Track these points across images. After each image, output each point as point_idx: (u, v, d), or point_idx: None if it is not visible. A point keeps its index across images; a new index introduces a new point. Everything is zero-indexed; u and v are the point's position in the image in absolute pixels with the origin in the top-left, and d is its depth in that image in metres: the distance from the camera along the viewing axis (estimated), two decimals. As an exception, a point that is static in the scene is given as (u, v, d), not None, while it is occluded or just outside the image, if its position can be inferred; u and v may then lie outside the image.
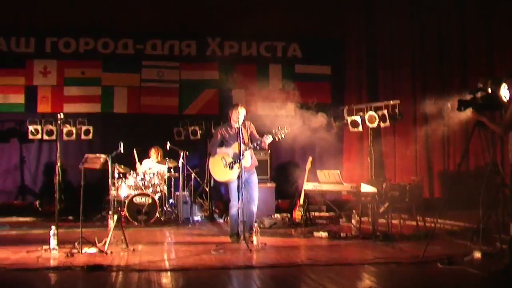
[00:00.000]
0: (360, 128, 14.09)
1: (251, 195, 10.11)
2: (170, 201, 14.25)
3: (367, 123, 13.78)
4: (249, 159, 10.06)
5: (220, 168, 10.15)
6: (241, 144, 9.75)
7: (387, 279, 7.27)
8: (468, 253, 8.28)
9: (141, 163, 14.02)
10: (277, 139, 10.07)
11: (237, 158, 9.86)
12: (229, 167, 10.02)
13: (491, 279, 6.96)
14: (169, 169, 14.13)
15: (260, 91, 15.11)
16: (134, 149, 13.63)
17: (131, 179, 13.33)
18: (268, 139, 9.96)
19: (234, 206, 9.98)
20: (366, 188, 11.00)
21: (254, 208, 10.16)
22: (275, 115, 13.63)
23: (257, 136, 10.23)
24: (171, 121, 15.80)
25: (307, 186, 12.37)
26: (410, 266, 7.87)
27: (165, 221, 13.38)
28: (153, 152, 14.23)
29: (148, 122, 15.72)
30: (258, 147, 10.18)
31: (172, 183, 14.36)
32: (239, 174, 9.78)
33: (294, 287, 7.01)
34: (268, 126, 11.43)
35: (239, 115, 9.98)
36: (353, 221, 11.46)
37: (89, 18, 16.04)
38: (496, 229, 8.66)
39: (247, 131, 10.25)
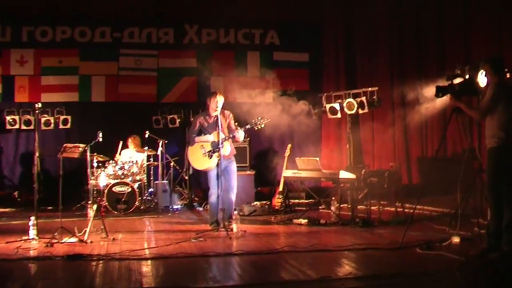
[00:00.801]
0: (339, 115, 14.12)
1: (230, 183, 10.12)
2: (150, 189, 14.19)
3: (346, 110, 13.80)
4: (228, 148, 10.06)
5: (199, 156, 10.14)
6: (220, 133, 9.77)
7: (366, 264, 7.32)
8: (446, 238, 8.38)
9: (120, 154, 13.96)
10: (256, 129, 10.10)
11: (216, 147, 9.88)
12: (208, 156, 10.01)
13: (469, 263, 7.02)
14: (148, 158, 14.11)
15: (238, 79, 15.12)
16: (120, 142, 13.57)
17: (110, 168, 13.29)
18: (239, 135, 10.00)
19: (214, 194, 10.01)
20: (345, 174, 11.05)
21: (233, 197, 10.17)
22: (253, 102, 13.59)
23: (233, 128, 10.23)
24: (149, 109, 15.74)
25: (286, 173, 12.41)
26: (389, 251, 7.92)
27: (144, 209, 13.38)
28: (130, 142, 14.15)
29: (126, 110, 15.61)
30: (233, 138, 10.16)
31: (151, 172, 14.35)
32: (218, 162, 9.81)
33: (274, 273, 7.03)
34: (247, 113, 11.49)
35: (217, 103, 9.96)
36: (332, 207, 11.52)
37: (66, 6, 15.85)
38: (474, 214, 8.75)
39: (225, 120, 10.23)
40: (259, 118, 10.07)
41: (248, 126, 10.07)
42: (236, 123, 10.45)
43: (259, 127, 10.12)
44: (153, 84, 16.19)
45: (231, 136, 10.02)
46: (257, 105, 12.76)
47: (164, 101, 16.14)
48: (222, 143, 9.77)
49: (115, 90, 15.97)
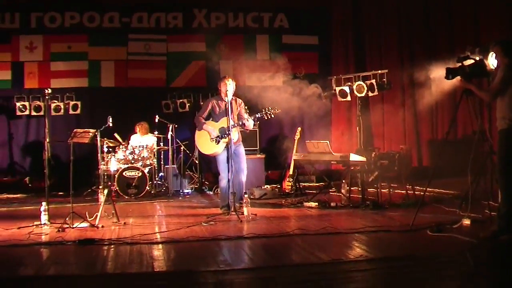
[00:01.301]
0: (349, 98, 14.11)
1: (240, 166, 10.14)
2: (160, 174, 14.25)
3: (356, 92, 13.78)
4: (236, 135, 10.07)
5: (206, 140, 10.17)
6: (230, 120, 9.79)
7: (377, 247, 7.31)
8: (457, 220, 8.35)
9: (129, 139, 13.98)
10: (265, 118, 10.12)
11: (224, 133, 9.91)
12: (215, 141, 10.04)
13: (480, 245, 7.01)
14: (158, 142, 14.13)
15: (247, 62, 15.11)
16: (115, 134, 13.53)
17: (120, 153, 13.31)
18: (249, 123, 10.02)
19: (224, 179, 10.04)
20: (355, 157, 11.03)
21: (243, 178, 10.21)
22: (263, 86, 13.61)
23: (245, 116, 10.25)
24: (159, 94, 15.76)
25: (297, 156, 12.42)
26: (400, 234, 7.92)
27: (155, 194, 13.41)
28: (138, 129, 14.19)
29: (136, 95, 15.65)
30: (243, 126, 10.17)
31: (162, 156, 14.37)
32: (227, 146, 9.85)
33: (284, 256, 7.04)
34: (256, 97, 11.51)
35: (227, 86, 9.97)
36: (342, 190, 11.50)
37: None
38: (485, 196, 8.73)
39: (236, 108, 10.26)
40: (269, 108, 10.07)
41: (258, 115, 10.09)
42: (247, 111, 10.48)
43: (269, 117, 10.14)
44: (162, 69, 16.22)
45: (240, 123, 10.03)
46: (267, 88, 12.81)
47: (173, 86, 16.18)
48: (230, 130, 9.79)
49: (124, 75, 16.00)
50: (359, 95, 13.74)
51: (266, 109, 10.10)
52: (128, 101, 15.51)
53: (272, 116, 10.15)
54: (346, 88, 13.93)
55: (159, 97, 15.65)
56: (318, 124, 15.61)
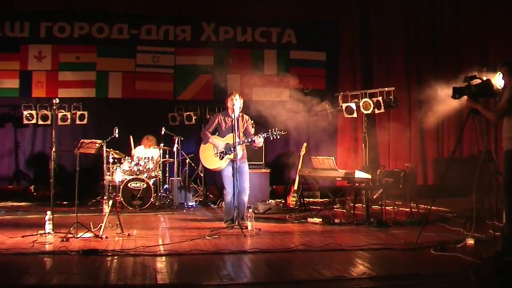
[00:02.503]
0: (355, 115, 14.09)
1: (242, 185, 10.04)
2: (165, 186, 14.27)
3: (362, 109, 13.77)
4: (241, 152, 10.05)
5: (210, 155, 10.16)
6: (236, 137, 9.78)
7: (380, 265, 7.29)
8: (461, 239, 8.33)
9: (134, 148, 13.99)
10: (271, 138, 10.07)
11: (229, 149, 9.92)
12: (219, 157, 10.05)
13: (483, 266, 7.00)
14: (163, 155, 14.15)
15: (255, 77, 15.09)
16: (130, 136, 13.58)
17: (125, 164, 13.33)
18: (260, 140, 9.98)
19: (229, 194, 10.00)
20: (360, 174, 11.03)
21: (245, 198, 10.14)
22: (269, 101, 13.67)
23: (252, 132, 10.28)
24: (165, 106, 15.76)
25: (302, 172, 12.44)
26: (403, 252, 7.90)
27: (159, 206, 13.41)
28: (144, 142, 14.21)
29: (142, 107, 15.67)
30: (250, 143, 10.13)
31: (167, 168, 14.38)
32: (232, 162, 9.86)
33: (288, 272, 7.03)
34: (263, 112, 11.54)
35: (234, 102, 9.96)
36: (347, 207, 11.51)
37: (84, 3, 15.94)
38: (489, 216, 8.71)
39: (243, 124, 10.26)
40: (276, 129, 10.02)
41: (264, 135, 10.00)
42: (254, 125, 10.48)
43: (275, 138, 10.08)
44: (170, 81, 16.25)
45: (248, 140, 10.01)
46: (274, 104, 12.87)
47: (180, 98, 16.19)
48: (235, 147, 9.77)
49: (132, 86, 16.03)
50: (365, 112, 13.72)
51: (273, 129, 10.02)
52: (135, 113, 15.51)
53: (278, 137, 10.08)
54: (353, 105, 13.92)
55: (166, 109, 15.65)
56: (324, 140, 15.63)
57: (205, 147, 10.28)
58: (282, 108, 12.45)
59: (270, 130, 10.00)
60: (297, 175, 12.94)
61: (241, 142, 9.97)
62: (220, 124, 10.22)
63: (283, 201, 13.37)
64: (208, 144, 10.21)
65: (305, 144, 13.39)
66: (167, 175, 14.35)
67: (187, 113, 15.36)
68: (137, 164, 13.38)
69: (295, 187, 13.03)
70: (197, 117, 15.36)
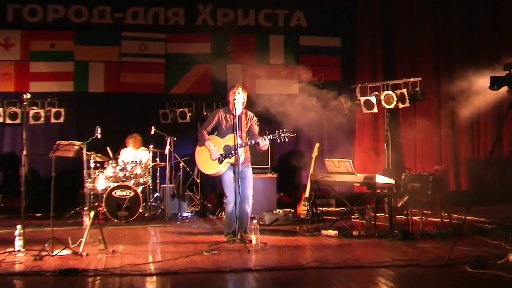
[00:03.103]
0: (375, 110, 14.07)
1: (245, 192, 9.97)
2: (155, 194, 14.26)
3: (384, 103, 13.75)
4: (242, 155, 9.95)
5: (207, 159, 10.04)
6: (238, 137, 9.70)
7: (407, 284, 7.27)
8: (502, 255, 8.27)
9: (119, 153, 13.99)
10: (278, 141, 9.97)
11: (230, 152, 9.85)
12: (218, 161, 9.97)
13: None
14: (154, 158, 14.14)
15: (259, 67, 15.08)
16: (108, 148, 13.52)
17: (109, 170, 13.32)
18: (265, 143, 9.87)
19: (230, 202, 9.92)
20: (382, 179, 10.97)
21: (248, 209, 10.05)
22: (276, 95, 13.61)
23: (256, 133, 10.17)
24: (156, 102, 15.80)
25: (314, 177, 12.37)
26: (434, 269, 7.86)
27: (149, 217, 13.41)
28: (130, 142, 14.21)
29: (129, 103, 15.67)
30: (254, 145, 10.05)
31: (158, 174, 14.40)
32: (233, 167, 9.82)
33: (299, 293, 7.02)
34: (268, 108, 11.50)
35: (235, 96, 9.89)
36: (367, 217, 11.47)
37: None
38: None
39: (246, 123, 10.19)
40: (284, 130, 9.92)
41: (270, 137, 9.90)
42: (258, 123, 10.42)
43: (283, 140, 9.98)
44: (160, 73, 16.25)
45: (252, 142, 9.93)
46: (281, 98, 12.79)
47: (172, 93, 16.21)
48: (237, 150, 9.71)
49: (116, 79, 16.03)
50: (387, 106, 13.71)
51: (281, 131, 9.93)
52: (120, 110, 15.54)
53: (286, 139, 9.99)
54: (373, 99, 13.90)
55: (156, 105, 15.71)
56: (340, 140, 15.63)
57: (201, 149, 10.18)
58: (291, 103, 12.44)
59: (277, 132, 9.90)
60: (309, 181, 12.91)
61: (243, 144, 9.91)
62: (220, 121, 10.12)
63: (293, 211, 13.35)
64: (204, 146, 10.15)
65: (317, 144, 13.37)
66: (158, 181, 14.39)
67: (181, 109, 15.35)
68: (123, 169, 13.36)
69: (307, 194, 13.00)
70: (192, 114, 15.38)
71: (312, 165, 12.92)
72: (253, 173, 10.34)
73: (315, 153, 13.11)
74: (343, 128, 14.69)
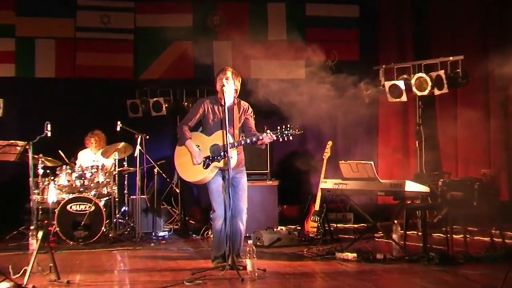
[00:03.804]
0: (404, 98, 14.07)
1: (238, 204, 9.89)
2: (123, 208, 14.23)
3: (415, 90, 13.75)
4: (235, 157, 9.84)
5: (188, 162, 9.92)
6: (228, 135, 9.62)
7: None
8: None
9: (76, 157, 14.01)
10: (281, 139, 9.83)
11: (218, 154, 9.75)
12: (204, 165, 9.90)
13: None
14: (121, 162, 14.12)
15: (254, 45, 14.97)
16: (60, 151, 13.52)
17: (63, 177, 13.27)
18: (267, 139, 9.75)
19: (219, 218, 9.84)
20: (413, 186, 10.95)
21: (242, 226, 9.99)
22: (276, 79, 13.55)
23: (254, 128, 10.07)
24: (123, 90, 15.86)
25: (325, 184, 12.33)
26: (481, 303, 7.88)
27: (115, 238, 13.40)
28: (90, 141, 14.27)
29: (88, 91, 15.70)
30: (252, 144, 9.88)
31: (126, 182, 14.33)
32: (223, 172, 9.76)
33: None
34: (267, 96, 11.48)
35: (224, 82, 9.76)
36: (394, 235, 11.44)
37: None
38: None
39: (240, 116, 10.09)
40: (288, 126, 9.77)
41: (270, 135, 9.75)
42: (253, 114, 10.34)
43: (286, 139, 9.84)
44: (128, 52, 16.34)
45: (247, 141, 9.77)
46: (283, 84, 12.79)
47: (144, 78, 16.32)
48: (227, 150, 9.60)
49: (70, 60, 16.08)
50: (419, 93, 13.71)
51: (284, 127, 9.77)
52: (76, 100, 15.57)
53: (291, 138, 9.86)
54: (401, 83, 13.90)
55: (123, 94, 15.78)
56: (358, 137, 15.66)
57: (182, 150, 10.06)
58: (296, 91, 12.43)
59: (279, 128, 9.74)
60: (319, 189, 12.90)
61: (236, 144, 9.81)
62: (207, 114, 9.99)
63: (299, 228, 13.38)
64: (184, 147, 10.08)
65: (330, 143, 13.34)
66: (125, 192, 14.32)
67: (155, 99, 15.42)
68: (80, 177, 13.32)
69: (316, 207, 13.00)
70: (170, 106, 15.51)
71: (323, 169, 12.90)
72: (248, 180, 10.27)
73: (327, 154, 13.10)
74: (363, 122, 14.74)
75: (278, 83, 12.80)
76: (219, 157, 9.71)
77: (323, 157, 13.09)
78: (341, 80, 13.21)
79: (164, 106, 15.30)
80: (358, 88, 13.50)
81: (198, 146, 9.88)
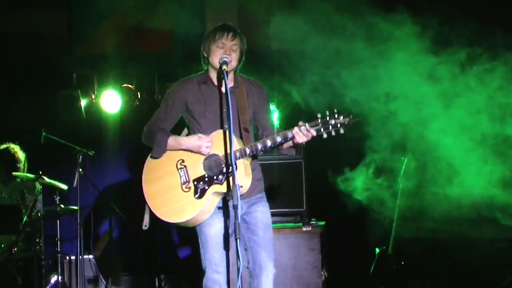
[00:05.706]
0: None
1: (257, 257, 9.20)
2: (52, 279, 13.61)
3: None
4: (248, 176, 9.05)
5: (171, 187, 9.20)
6: (233, 137, 8.73)
7: None
8: None
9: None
10: (325, 135, 8.88)
11: (219, 170, 8.93)
12: (195, 192, 9.11)
13: None
14: (50, 194, 13.50)
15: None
16: None
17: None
18: (301, 137, 8.74)
19: (213, 283, 9.15)
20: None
21: (270, 284, 9.23)
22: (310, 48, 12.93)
23: (272, 122, 9.46)
24: (50, 72, 15.36)
25: (402, 226, 11.80)
26: None
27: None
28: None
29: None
30: (273, 149, 9.20)
31: (58, 230, 13.71)
32: (226, 204, 8.97)
33: None
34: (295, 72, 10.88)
35: (222, 47, 8.95)
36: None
37: None
38: None
39: (248, 103, 9.32)
40: (336, 113, 8.80)
41: (310, 128, 8.83)
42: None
43: (333, 133, 8.88)
44: (59, 8, 15.75)
45: (267, 144, 8.87)
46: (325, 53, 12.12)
47: (82, 54, 15.80)
48: (234, 162, 8.66)
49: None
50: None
51: (329, 115, 8.80)
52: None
53: (342, 131, 8.82)
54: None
55: (51, 80, 15.18)
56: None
57: (156, 165, 9.35)
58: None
59: (320, 118, 8.76)
60: (392, 232, 12.19)
61: (248, 150, 8.98)
62: (190, 105, 9.22)
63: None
64: (165, 158, 9.26)
65: (405, 158, 12.79)
66: (57, 248, 13.71)
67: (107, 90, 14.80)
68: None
69: (389, 265, 12.40)
70: (129, 99, 14.76)
71: (398, 200, 12.21)
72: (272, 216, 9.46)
73: (401, 178, 12.46)
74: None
75: (313, 61, 12.24)
76: (220, 177, 8.86)
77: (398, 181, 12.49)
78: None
79: (119, 100, 14.66)
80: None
81: (182, 161, 9.06)
